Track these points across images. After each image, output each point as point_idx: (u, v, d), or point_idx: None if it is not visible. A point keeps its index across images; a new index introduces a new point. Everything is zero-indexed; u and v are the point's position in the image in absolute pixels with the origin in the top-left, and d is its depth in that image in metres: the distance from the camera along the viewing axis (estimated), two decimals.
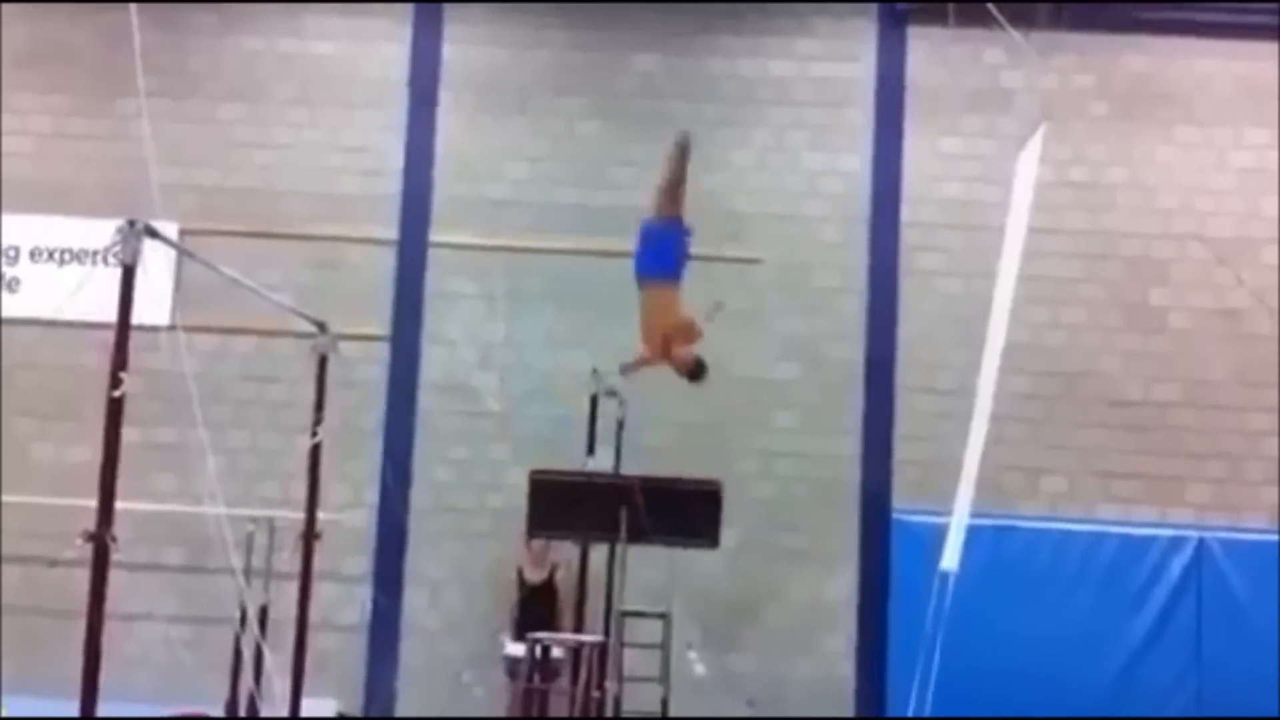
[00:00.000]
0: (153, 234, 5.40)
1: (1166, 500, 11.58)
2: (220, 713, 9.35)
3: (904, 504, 11.44)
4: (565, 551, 10.97)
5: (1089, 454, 11.70)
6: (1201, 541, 11.14)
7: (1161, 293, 11.92)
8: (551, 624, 10.68)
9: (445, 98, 12.21)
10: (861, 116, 12.14)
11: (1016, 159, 9.24)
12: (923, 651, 8.09)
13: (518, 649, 9.81)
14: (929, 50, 12.15)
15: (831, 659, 11.58)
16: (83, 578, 5.27)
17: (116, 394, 5.26)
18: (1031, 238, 8.75)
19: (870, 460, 11.78)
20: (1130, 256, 11.93)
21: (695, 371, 8.01)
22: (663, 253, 7.99)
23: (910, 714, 8.58)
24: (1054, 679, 10.68)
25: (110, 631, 5.26)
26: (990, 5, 9.16)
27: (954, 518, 8.50)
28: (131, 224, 5.32)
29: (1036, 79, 11.81)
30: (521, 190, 12.12)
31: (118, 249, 5.28)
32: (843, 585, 11.67)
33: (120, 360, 5.27)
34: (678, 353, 7.91)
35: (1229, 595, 11.00)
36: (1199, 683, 10.82)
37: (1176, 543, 11.16)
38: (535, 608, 10.97)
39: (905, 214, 12.01)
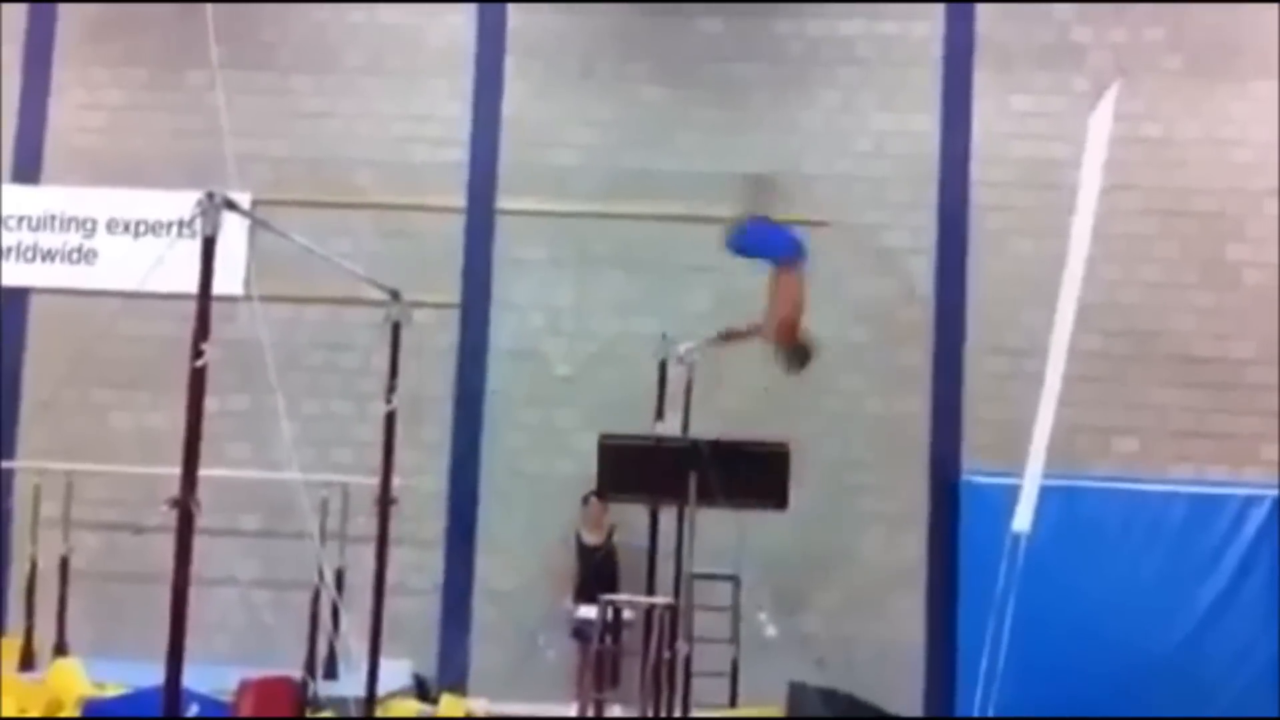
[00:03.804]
0: (231, 206, 5.47)
1: (1240, 459, 11.43)
2: (298, 674, 9.51)
3: (974, 465, 11.39)
4: (621, 513, 11.04)
5: (1162, 413, 11.57)
6: (1277, 500, 10.99)
7: (1237, 249, 11.72)
8: (613, 585, 10.75)
9: (511, 65, 12.22)
10: (930, 75, 12.01)
11: (1088, 116, 9.13)
12: (993, 614, 8.07)
13: (590, 611, 9.90)
14: (998, 6, 11.98)
15: (901, 621, 11.57)
16: (164, 543, 5.38)
17: (198, 364, 5.35)
18: (1104, 195, 8.65)
19: (940, 422, 11.72)
20: (1205, 212, 11.74)
21: (802, 355, 8.49)
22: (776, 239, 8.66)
23: (981, 676, 8.56)
24: (1126, 642, 10.59)
25: (191, 595, 5.36)
26: None
27: (1026, 479, 8.46)
28: (211, 196, 5.40)
29: (1107, 34, 11.66)
30: (588, 156, 12.13)
31: (198, 221, 5.36)
32: (912, 547, 11.65)
33: (202, 332, 5.36)
34: (790, 334, 8.41)
35: None
36: (1273, 644, 10.69)
37: (1251, 502, 11.03)
38: (596, 570, 11.05)
39: (975, 173, 11.89)
